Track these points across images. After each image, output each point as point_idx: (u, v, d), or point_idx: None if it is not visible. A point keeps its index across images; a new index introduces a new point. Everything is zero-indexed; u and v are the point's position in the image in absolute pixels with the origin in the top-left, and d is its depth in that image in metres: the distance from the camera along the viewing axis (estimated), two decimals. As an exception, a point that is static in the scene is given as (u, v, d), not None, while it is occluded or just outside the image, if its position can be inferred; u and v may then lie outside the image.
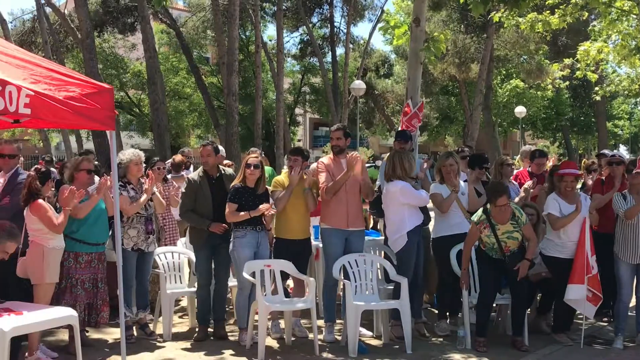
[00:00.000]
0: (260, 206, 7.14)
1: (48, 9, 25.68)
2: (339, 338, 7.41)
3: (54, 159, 17.71)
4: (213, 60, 37.00)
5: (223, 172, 7.66)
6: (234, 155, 17.27)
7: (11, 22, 29.76)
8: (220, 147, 9.71)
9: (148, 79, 19.72)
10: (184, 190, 7.64)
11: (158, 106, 18.63)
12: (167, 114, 20.65)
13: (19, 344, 6.11)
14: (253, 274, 7.08)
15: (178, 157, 10.97)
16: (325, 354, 7.02)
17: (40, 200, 6.42)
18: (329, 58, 34.22)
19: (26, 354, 6.50)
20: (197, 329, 7.62)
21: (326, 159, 7.73)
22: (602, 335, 7.72)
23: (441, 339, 7.56)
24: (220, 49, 21.42)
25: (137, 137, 39.15)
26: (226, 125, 19.14)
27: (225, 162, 11.41)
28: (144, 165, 7.85)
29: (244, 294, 7.29)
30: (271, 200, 7.39)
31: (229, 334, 7.61)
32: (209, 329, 7.60)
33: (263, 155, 9.37)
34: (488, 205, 7.26)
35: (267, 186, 7.54)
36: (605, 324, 8.21)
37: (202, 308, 7.57)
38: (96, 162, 9.07)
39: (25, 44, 27.50)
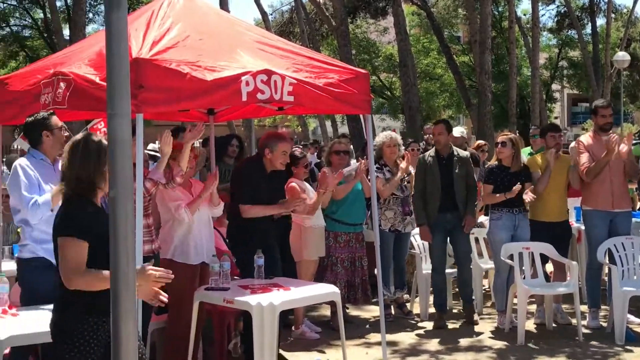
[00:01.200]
0: (514, 187, 6.92)
1: None
2: (604, 324, 7.03)
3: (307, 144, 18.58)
4: (464, 39, 36.55)
5: (456, 153, 7.46)
6: (487, 134, 16.95)
7: (271, 15, 31.61)
8: (461, 129, 9.58)
9: (400, 62, 19.93)
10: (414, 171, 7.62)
11: (409, 88, 18.79)
12: (418, 96, 20.74)
13: (286, 317, 6.51)
14: (511, 257, 6.92)
15: None
16: (589, 341, 6.69)
17: (293, 183, 6.74)
18: (588, 29, 32.35)
19: (292, 327, 6.92)
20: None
21: (586, 137, 7.30)
22: None
23: None
24: (471, 27, 21.09)
25: (389, 119, 39.85)
26: (478, 105, 18.85)
27: (478, 142, 11.25)
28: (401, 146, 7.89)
29: (502, 277, 7.14)
30: None
31: (484, 316, 7.53)
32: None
33: (517, 134, 9.05)
34: None
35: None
36: None
37: (437, 293, 7.49)
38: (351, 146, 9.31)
39: (284, 34, 29.07)
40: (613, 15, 32.27)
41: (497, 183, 7.06)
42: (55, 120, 5.00)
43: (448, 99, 36.63)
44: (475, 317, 7.42)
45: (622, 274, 6.79)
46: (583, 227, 7.52)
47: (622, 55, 26.74)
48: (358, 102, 5.96)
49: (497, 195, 7.00)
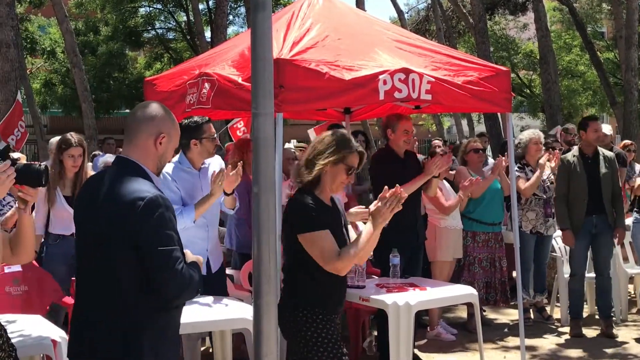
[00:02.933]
0: None
1: (441, -3, 26.63)
2: None
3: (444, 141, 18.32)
4: (609, 35, 35.01)
5: (602, 152, 7.07)
6: (634, 134, 16.19)
7: (407, 13, 31.50)
8: (609, 127, 9.18)
9: (540, 59, 19.36)
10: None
11: (550, 86, 18.21)
12: (559, 94, 20.06)
13: (420, 318, 6.46)
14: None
15: None
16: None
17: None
18: None
19: (427, 327, 6.86)
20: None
21: None
22: None
23: None
24: (617, 22, 20.21)
25: (528, 118, 38.78)
26: (624, 103, 18.04)
27: (625, 141, 10.76)
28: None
29: None
30: None
31: (629, 323, 7.20)
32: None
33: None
34: None
35: None
36: None
37: (574, 300, 7.15)
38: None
39: (420, 32, 28.87)
40: None
41: None
42: (206, 129, 5.00)
43: (591, 97, 35.23)
44: (614, 331, 7.02)
45: None
46: None
47: None
48: (498, 100, 5.84)
49: None
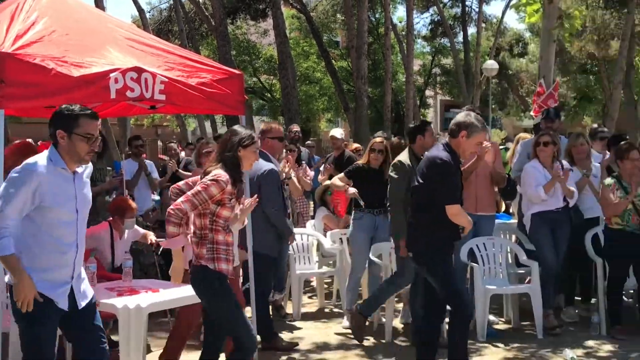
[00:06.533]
0: (351, 190, 7.14)
1: (184, -2, 26.60)
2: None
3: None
4: (343, 44, 37.12)
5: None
6: (363, 138, 17.32)
7: (149, 12, 31.04)
8: (341, 130, 9.80)
9: (279, 64, 20.08)
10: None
11: (289, 91, 18.96)
12: (297, 98, 20.96)
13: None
14: (380, 256, 7.11)
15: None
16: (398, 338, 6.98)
17: None
18: (460, 38, 33.58)
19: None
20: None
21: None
22: None
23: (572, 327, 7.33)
24: (349, 32, 21.51)
25: (269, 121, 40.03)
26: (355, 109, 19.23)
27: (355, 145, 11.49)
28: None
29: (356, 277, 7.31)
30: None
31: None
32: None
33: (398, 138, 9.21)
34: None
35: None
36: None
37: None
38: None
39: (162, 32, 28.64)
40: (483, 25, 33.71)
41: (359, 180, 7.16)
42: (83, 123, 4.03)
43: (327, 102, 37.10)
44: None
45: (484, 273, 7.09)
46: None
47: (491, 64, 27.94)
48: (232, 103, 5.97)
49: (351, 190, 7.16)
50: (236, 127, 4.86)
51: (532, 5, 9.44)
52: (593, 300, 7.64)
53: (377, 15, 34.05)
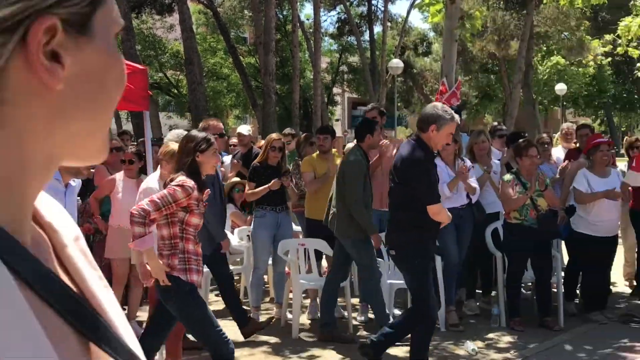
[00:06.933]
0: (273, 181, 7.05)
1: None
2: (372, 317, 7.44)
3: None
4: (251, 40, 37.01)
5: None
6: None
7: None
8: (248, 127, 9.77)
9: (186, 60, 19.82)
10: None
11: (196, 87, 18.74)
12: (205, 95, 20.74)
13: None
14: (287, 253, 7.13)
15: None
16: (359, 333, 7.06)
17: None
18: (366, 36, 34.07)
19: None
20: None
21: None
22: (638, 314, 7.61)
23: (472, 320, 7.55)
24: (257, 29, 21.45)
25: (176, 117, 39.42)
26: (263, 105, 19.21)
27: (261, 143, 11.45)
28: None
29: (258, 274, 7.33)
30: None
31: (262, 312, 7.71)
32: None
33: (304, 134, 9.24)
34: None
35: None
36: (643, 302, 8.12)
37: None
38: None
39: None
40: (389, 24, 34.29)
41: (261, 180, 7.15)
42: None
43: (235, 99, 36.94)
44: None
45: (389, 268, 7.22)
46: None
47: (396, 62, 28.43)
48: (136, 98, 5.87)
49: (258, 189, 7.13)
50: (192, 132, 4.82)
51: (435, 6, 9.65)
52: (493, 293, 7.89)
53: (284, 12, 34.11)
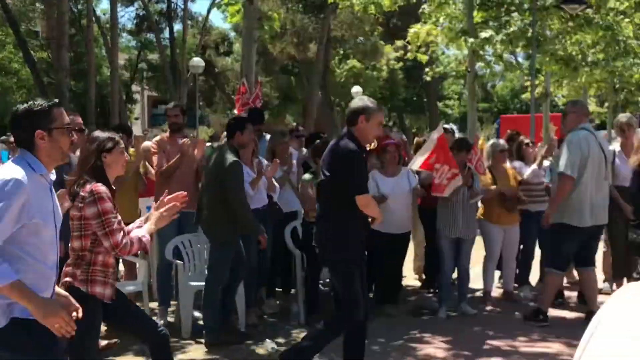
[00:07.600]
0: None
1: None
2: (172, 320, 7.32)
3: None
4: (43, 34, 35.21)
5: None
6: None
7: None
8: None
9: (-31, 53, 18.51)
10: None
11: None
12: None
13: None
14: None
15: None
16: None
17: None
18: (166, 34, 33.50)
19: None
20: None
21: (161, 138, 7.55)
22: (427, 306, 8.06)
23: (273, 319, 7.64)
24: (49, 23, 20.49)
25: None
26: (58, 103, 18.34)
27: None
28: None
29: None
30: None
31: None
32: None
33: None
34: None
35: None
36: (431, 294, 8.60)
37: None
38: None
39: None
40: (190, 22, 34.01)
41: None
42: (58, 115, 3.51)
43: (26, 95, 34.94)
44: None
45: (189, 270, 7.12)
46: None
47: (198, 61, 28.20)
48: None
49: None
50: (95, 132, 4.40)
51: (233, 6, 9.67)
52: (293, 291, 8.03)
53: (79, 7, 32.77)
